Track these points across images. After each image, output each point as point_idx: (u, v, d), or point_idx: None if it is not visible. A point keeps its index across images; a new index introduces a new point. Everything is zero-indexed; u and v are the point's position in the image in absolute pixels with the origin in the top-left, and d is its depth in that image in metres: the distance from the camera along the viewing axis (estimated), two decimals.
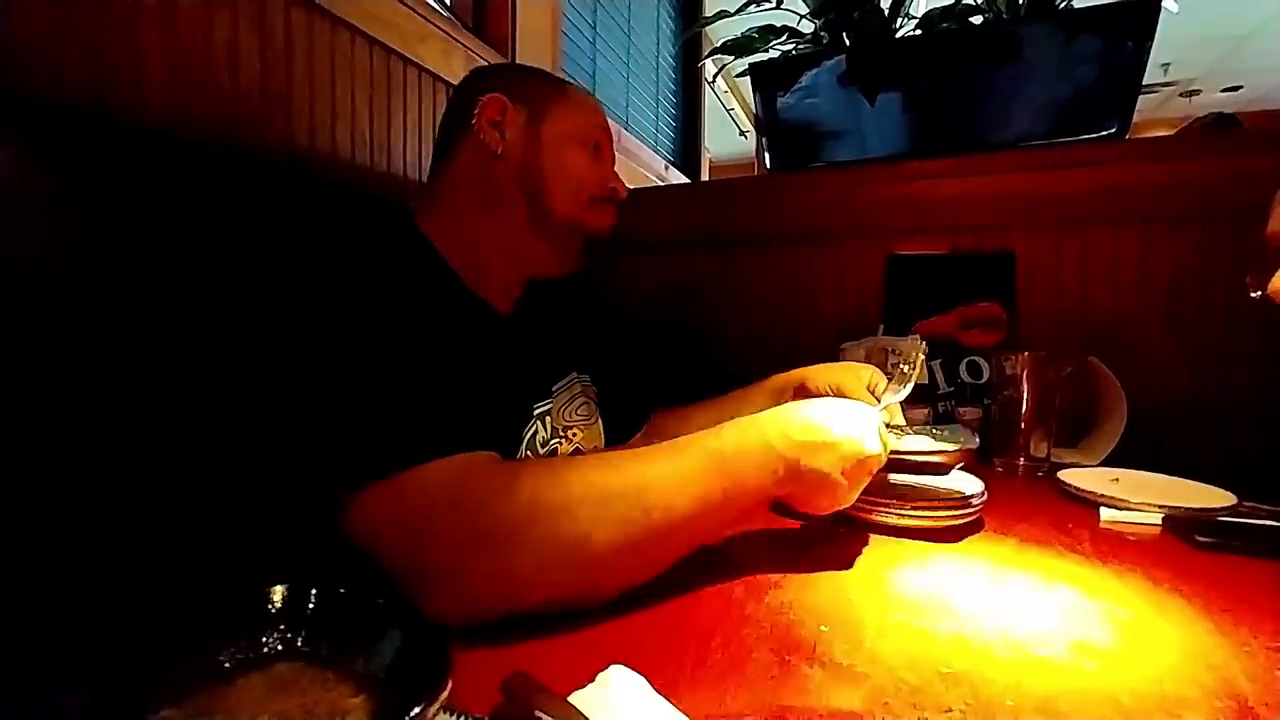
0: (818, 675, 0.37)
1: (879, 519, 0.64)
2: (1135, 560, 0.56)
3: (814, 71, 1.21)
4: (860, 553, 0.58)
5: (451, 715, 0.30)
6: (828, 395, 0.70)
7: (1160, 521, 0.66)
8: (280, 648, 0.26)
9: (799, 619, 0.45)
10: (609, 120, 0.78)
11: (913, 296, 1.13)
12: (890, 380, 0.68)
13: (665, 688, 0.34)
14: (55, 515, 0.57)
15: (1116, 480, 0.78)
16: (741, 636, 0.42)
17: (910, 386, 0.65)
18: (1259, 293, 0.64)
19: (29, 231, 0.57)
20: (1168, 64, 4.46)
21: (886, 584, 0.51)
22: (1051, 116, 1.10)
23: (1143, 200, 1.02)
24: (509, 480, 0.44)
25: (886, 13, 1.19)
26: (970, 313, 1.09)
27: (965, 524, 0.63)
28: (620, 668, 0.35)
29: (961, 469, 0.74)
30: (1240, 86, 5.09)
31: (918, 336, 1.09)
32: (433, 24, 1.08)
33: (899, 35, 1.20)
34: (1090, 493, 0.73)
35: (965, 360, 1.07)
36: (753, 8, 1.27)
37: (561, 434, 0.74)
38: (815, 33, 1.25)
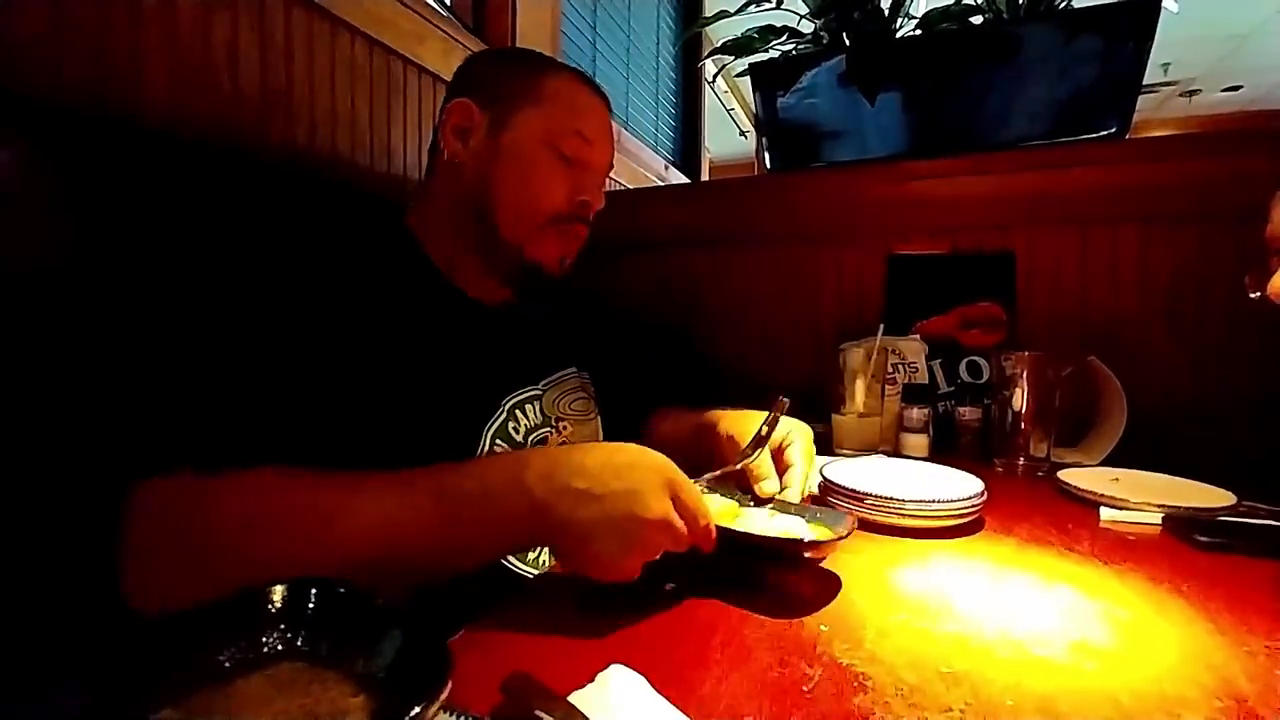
0: (818, 675, 0.37)
1: (879, 519, 0.64)
2: (1135, 560, 0.56)
3: (814, 71, 1.21)
4: (860, 553, 0.58)
5: (451, 715, 0.30)
6: (724, 440, 0.67)
7: (1160, 521, 0.66)
8: (280, 648, 0.26)
9: (799, 619, 0.45)
10: (612, 131, 0.72)
11: (913, 296, 1.13)
12: (758, 439, 0.62)
13: (665, 688, 0.34)
14: (54, 515, 0.57)
15: (1116, 480, 0.78)
16: (741, 636, 0.42)
17: (763, 451, 0.61)
18: (1258, 293, 0.64)
19: (29, 231, 0.57)
20: (1168, 64, 4.46)
21: (886, 584, 0.51)
22: (1051, 116, 1.10)
23: (1143, 200, 1.02)
24: (216, 503, 0.44)
25: (886, 13, 1.19)
26: (970, 313, 1.09)
27: (965, 524, 0.63)
28: (620, 668, 0.35)
29: (961, 470, 0.74)
30: (1240, 86, 5.09)
31: (918, 336, 1.09)
32: (433, 24, 1.08)
33: (899, 35, 1.20)
34: (1090, 493, 0.73)
35: (965, 360, 1.08)
36: (753, 8, 1.27)
37: (552, 424, 0.72)
38: (815, 33, 1.25)
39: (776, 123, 1.30)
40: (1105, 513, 0.69)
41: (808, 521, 0.55)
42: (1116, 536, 0.64)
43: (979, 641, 0.41)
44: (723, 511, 0.57)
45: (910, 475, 0.74)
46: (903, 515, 0.62)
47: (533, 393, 0.71)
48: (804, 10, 1.24)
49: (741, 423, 0.67)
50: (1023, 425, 0.90)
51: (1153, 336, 1.02)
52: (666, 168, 2.29)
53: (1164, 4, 1.00)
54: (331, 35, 0.91)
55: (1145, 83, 1.05)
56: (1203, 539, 0.60)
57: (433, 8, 1.11)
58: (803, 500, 0.63)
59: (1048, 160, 1.06)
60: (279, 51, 0.84)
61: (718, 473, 0.61)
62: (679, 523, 0.44)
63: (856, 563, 0.55)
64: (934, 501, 0.62)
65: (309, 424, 0.48)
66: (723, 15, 1.37)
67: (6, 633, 0.54)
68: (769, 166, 1.35)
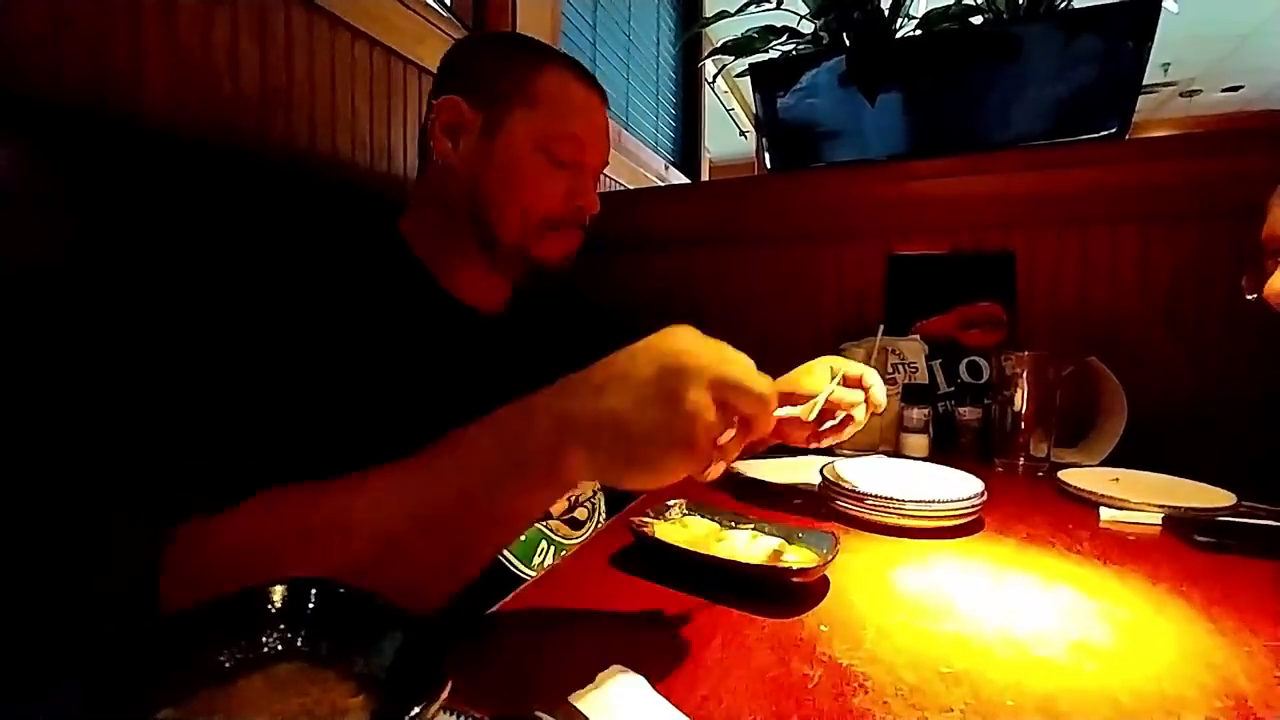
0: (818, 675, 0.37)
1: (879, 519, 0.64)
2: (1135, 560, 0.56)
3: (814, 72, 1.21)
4: (860, 553, 0.58)
5: (451, 715, 0.30)
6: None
7: (1160, 521, 0.66)
8: (280, 648, 0.26)
9: (799, 619, 0.45)
10: (608, 127, 0.70)
11: (913, 296, 1.13)
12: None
13: (665, 688, 0.34)
14: (52, 514, 0.57)
15: (1116, 480, 0.78)
16: (741, 636, 0.42)
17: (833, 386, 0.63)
18: (1255, 295, 0.64)
19: (28, 231, 0.57)
20: (1168, 64, 4.46)
21: (886, 584, 0.51)
22: (1051, 116, 1.10)
23: (1143, 200, 1.02)
24: (218, 539, 0.42)
25: (886, 13, 1.19)
26: (970, 313, 1.09)
27: (965, 524, 0.63)
28: (620, 668, 0.35)
29: (960, 470, 0.74)
30: (1240, 86, 5.09)
31: (918, 336, 1.09)
32: (433, 24, 1.08)
33: (899, 35, 1.20)
34: (1090, 493, 0.73)
35: (965, 360, 1.08)
36: (753, 8, 1.27)
37: None
38: (815, 33, 1.25)
39: (776, 123, 1.30)
40: (1105, 513, 0.69)
41: (790, 544, 0.54)
42: (1116, 536, 0.64)
43: (979, 641, 0.41)
44: (705, 535, 0.57)
45: (910, 475, 0.74)
46: (903, 515, 0.62)
47: None
48: (804, 10, 1.24)
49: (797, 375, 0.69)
50: (1023, 425, 0.90)
51: (1153, 336, 1.02)
52: (666, 168, 2.29)
53: (1164, 4, 1.00)
54: (331, 35, 0.91)
55: (1145, 83, 1.05)
56: (1202, 539, 0.60)
57: (433, 8, 1.11)
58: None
59: (1048, 160, 1.06)
60: (279, 51, 0.84)
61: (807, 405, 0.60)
62: (731, 376, 0.36)
63: (856, 563, 0.55)
64: (934, 501, 0.62)
65: (313, 451, 0.47)
66: (723, 15, 1.37)
67: (6, 633, 0.54)
68: (769, 166, 1.35)
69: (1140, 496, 0.70)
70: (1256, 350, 0.95)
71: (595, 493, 0.75)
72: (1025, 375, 0.89)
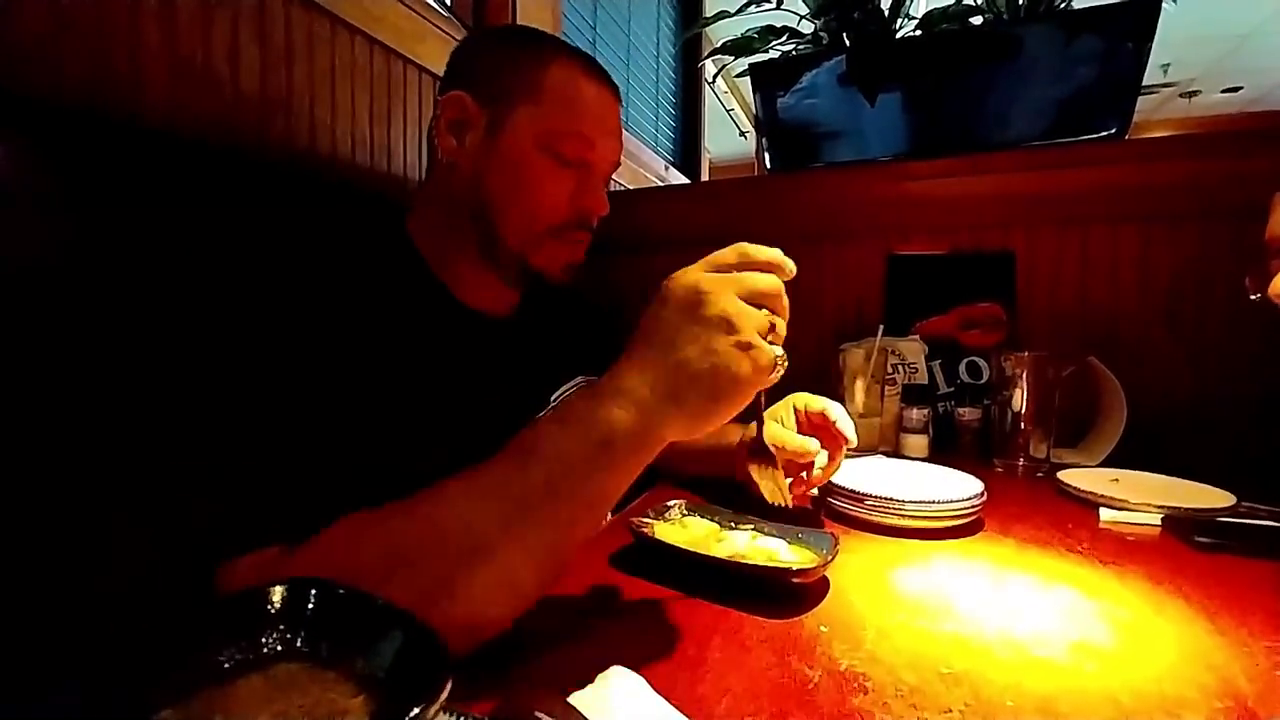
0: (818, 675, 0.37)
1: (879, 519, 0.64)
2: (1135, 560, 0.56)
3: (814, 72, 1.21)
4: (860, 553, 0.58)
5: (451, 715, 0.30)
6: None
7: (1160, 521, 0.66)
8: (280, 648, 0.26)
9: (799, 619, 0.45)
10: (620, 123, 0.68)
11: (913, 296, 1.13)
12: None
13: (665, 688, 0.34)
14: (50, 514, 0.57)
15: (1116, 480, 0.78)
16: (741, 636, 0.42)
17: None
18: (1258, 294, 0.64)
19: (28, 231, 0.57)
20: (1168, 64, 4.46)
21: (886, 584, 0.51)
22: (1051, 116, 1.10)
23: (1143, 200, 1.02)
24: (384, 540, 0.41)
25: (886, 13, 1.19)
26: (970, 313, 1.09)
27: (965, 524, 0.63)
28: (620, 668, 0.35)
29: (960, 471, 0.74)
30: (1240, 87, 5.09)
31: (918, 336, 1.09)
32: (433, 24, 1.08)
33: (899, 35, 1.20)
34: (1090, 493, 0.73)
35: (965, 360, 1.08)
36: (753, 8, 1.27)
37: None
38: (815, 33, 1.25)
39: (776, 123, 1.30)
40: (1105, 513, 0.69)
41: (790, 544, 0.54)
42: (1116, 537, 0.64)
43: (979, 641, 0.41)
44: (705, 535, 0.57)
45: (910, 475, 0.74)
46: (903, 515, 0.62)
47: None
48: (804, 10, 1.24)
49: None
50: (1023, 425, 0.90)
51: (1153, 336, 1.02)
52: (666, 168, 2.29)
53: (1164, 4, 1.00)
54: (331, 35, 0.91)
55: (1145, 83, 1.05)
56: (1202, 539, 0.60)
57: (433, 7, 1.11)
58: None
59: (1048, 160, 1.06)
60: (279, 51, 0.84)
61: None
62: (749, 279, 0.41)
63: (856, 563, 0.55)
64: (934, 502, 0.62)
65: (331, 461, 0.47)
66: (723, 15, 1.37)
67: (6, 633, 0.54)
68: (769, 166, 1.35)
69: (1140, 497, 0.70)
70: (1257, 350, 0.95)
71: None
72: (1025, 375, 0.89)
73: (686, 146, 2.66)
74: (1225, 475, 0.75)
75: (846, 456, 0.68)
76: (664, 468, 0.83)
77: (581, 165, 0.63)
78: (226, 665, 0.24)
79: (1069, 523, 0.67)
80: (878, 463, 0.81)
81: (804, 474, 0.67)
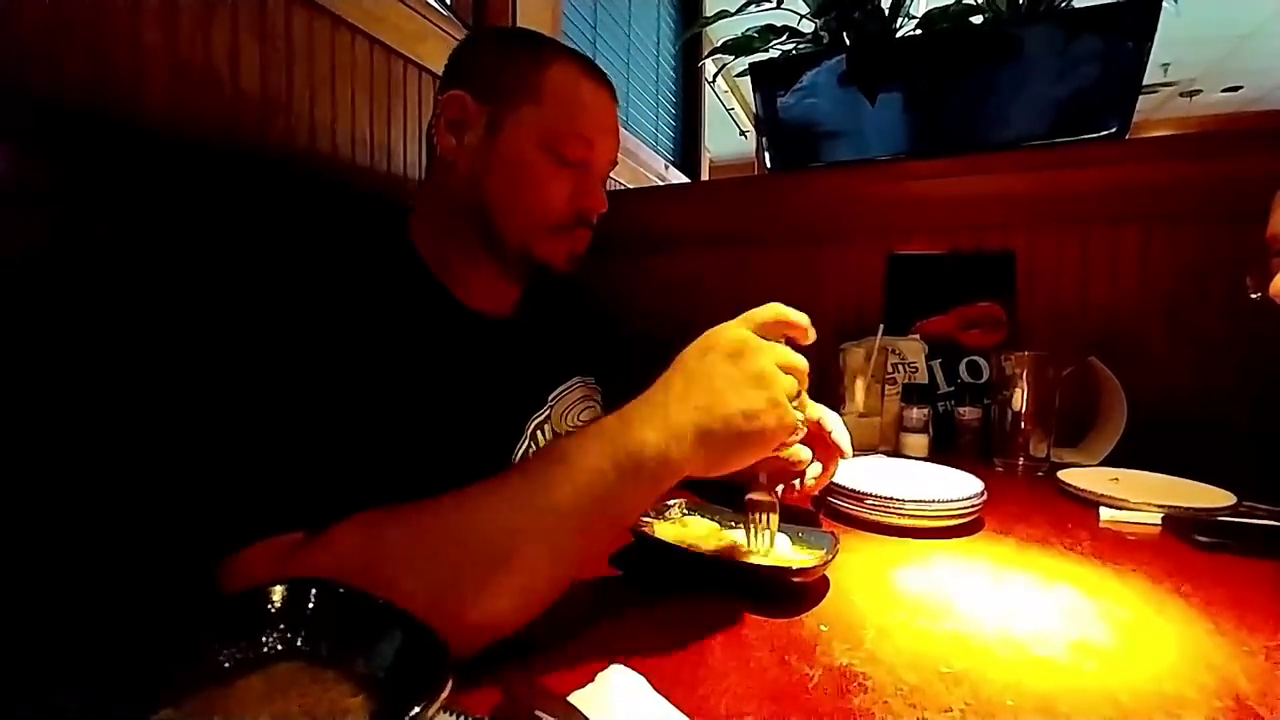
0: (818, 675, 0.37)
1: (879, 519, 0.64)
2: (1135, 560, 0.56)
3: (814, 71, 1.21)
4: (860, 553, 0.58)
5: (451, 715, 0.30)
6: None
7: (1160, 521, 0.66)
8: (280, 648, 0.26)
9: (799, 619, 0.45)
10: (618, 123, 0.68)
11: (913, 296, 1.13)
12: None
13: (665, 688, 0.34)
14: (52, 514, 0.57)
15: (1116, 480, 0.78)
16: (741, 636, 0.42)
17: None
18: (1259, 294, 0.64)
19: (28, 231, 0.57)
20: (1168, 64, 4.46)
21: (886, 584, 0.51)
22: (1052, 116, 1.10)
23: (1143, 200, 1.02)
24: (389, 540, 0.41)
25: (886, 13, 1.19)
26: (970, 313, 1.09)
27: (965, 524, 0.63)
28: (620, 668, 0.35)
29: (960, 470, 0.74)
30: (1240, 87, 5.09)
31: (918, 336, 1.09)
32: (433, 23, 1.08)
33: (899, 35, 1.20)
34: (1090, 493, 0.73)
35: (965, 360, 1.08)
36: (753, 8, 1.27)
37: None
38: (815, 33, 1.25)
39: (776, 122, 1.30)
40: (1105, 513, 0.69)
41: (791, 542, 0.54)
42: (1116, 536, 0.64)
43: (979, 641, 0.41)
44: (705, 534, 0.57)
45: (910, 475, 0.74)
46: (903, 515, 0.62)
47: (545, 413, 0.70)
48: (804, 10, 1.24)
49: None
50: (1023, 425, 0.90)
51: (1153, 336, 1.02)
52: (666, 168, 2.29)
53: (1164, 4, 1.00)
54: (332, 34, 0.91)
55: (1145, 83, 1.05)
56: (1202, 539, 0.60)
57: (433, 7, 1.11)
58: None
59: (1048, 160, 1.06)
60: (279, 51, 0.84)
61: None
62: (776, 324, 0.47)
63: (856, 562, 0.55)
64: (934, 501, 0.62)
65: (355, 468, 0.47)
66: (723, 15, 1.36)
67: (6, 633, 0.54)
68: (769, 166, 1.35)
69: (1140, 496, 0.70)
70: (1257, 350, 0.95)
71: None
72: (1025, 375, 0.89)
73: (686, 146, 2.65)
74: (1225, 475, 0.75)
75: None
76: None
77: (580, 165, 0.63)
78: (226, 665, 0.24)
79: (1069, 522, 0.67)
80: (878, 462, 0.81)
81: (795, 482, 0.66)
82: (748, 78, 1.30)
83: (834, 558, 0.49)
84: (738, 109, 4.73)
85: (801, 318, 0.48)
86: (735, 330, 0.45)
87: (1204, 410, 0.98)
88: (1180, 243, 1.01)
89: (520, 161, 0.61)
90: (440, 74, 0.68)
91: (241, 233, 0.74)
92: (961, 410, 1.02)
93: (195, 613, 0.26)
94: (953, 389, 1.08)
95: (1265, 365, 0.94)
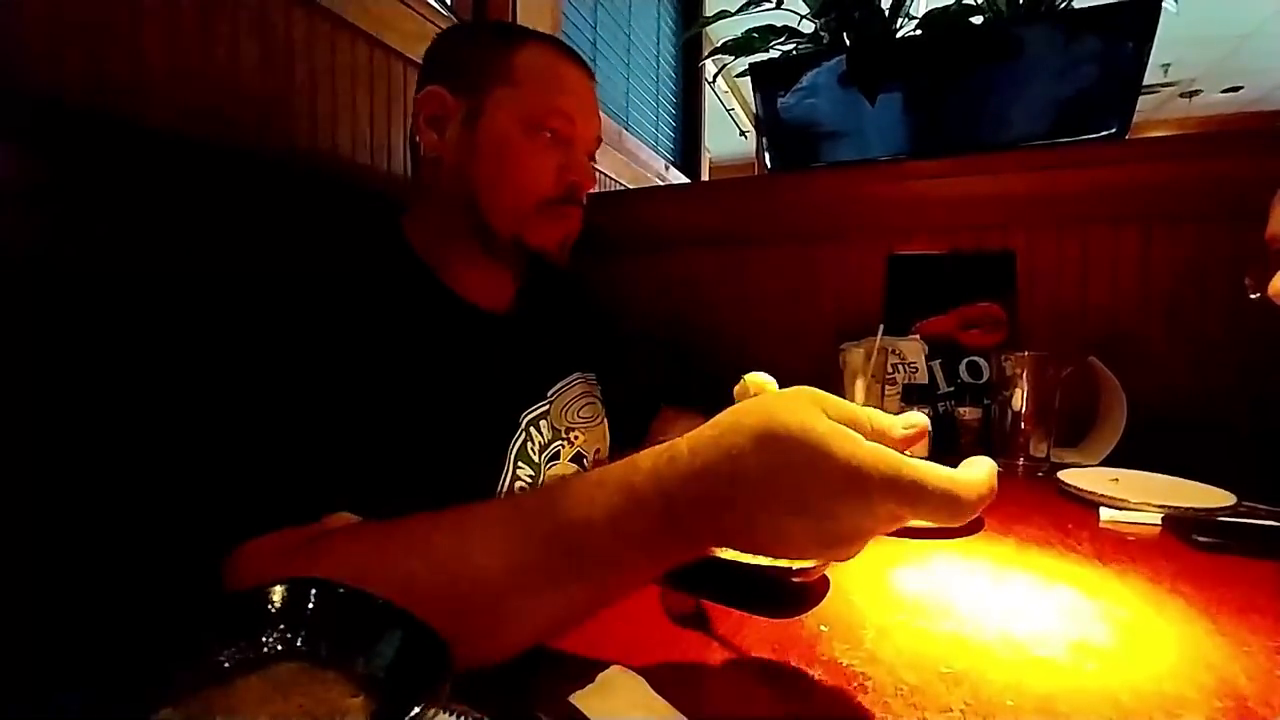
0: (818, 675, 0.37)
1: None
2: (1135, 560, 0.56)
3: (814, 71, 1.21)
4: (861, 553, 0.58)
5: (451, 715, 0.30)
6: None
7: (1160, 521, 0.66)
8: (280, 648, 0.26)
9: (799, 619, 0.44)
10: (597, 101, 0.68)
11: (913, 296, 1.13)
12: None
13: (665, 688, 0.34)
14: (53, 513, 0.57)
15: (1116, 480, 0.78)
16: (741, 636, 0.42)
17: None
18: (1258, 294, 0.64)
19: (27, 231, 0.57)
20: (1168, 64, 4.46)
21: (886, 584, 0.51)
22: (1052, 116, 1.10)
23: (1143, 200, 1.02)
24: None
25: (887, 13, 1.19)
26: (970, 313, 1.09)
27: (965, 524, 0.63)
28: (620, 668, 0.35)
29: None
30: (1240, 87, 5.09)
31: (918, 336, 1.09)
32: (433, 24, 1.08)
33: (899, 35, 1.20)
34: (1090, 493, 0.73)
35: (965, 360, 1.07)
36: (753, 8, 1.27)
37: (564, 436, 0.71)
38: (815, 33, 1.25)
39: (777, 123, 1.30)
40: (1105, 513, 0.69)
41: None
42: (1116, 537, 0.64)
43: (979, 641, 0.41)
44: None
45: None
46: None
47: (544, 407, 0.70)
48: (804, 10, 1.24)
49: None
50: (1023, 425, 0.90)
51: (1153, 336, 1.02)
52: (666, 168, 2.29)
53: (1164, 4, 1.00)
54: (332, 35, 0.91)
55: (1145, 83, 1.05)
56: (1202, 539, 0.60)
57: (433, 7, 1.11)
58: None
59: (1048, 160, 1.06)
60: (279, 51, 0.83)
61: None
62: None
63: (856, 563, 0.55)
64: None
65: (354, 462, 0.47)
66: (723, 15, 1.37)
67: (6, 633, 0.54)
68: (769, 166, 1.35)
69: (1140, 496, 0.70)
70: (1257, 350, 0.95)
71: None
72: (1025, 375, 0.89)
73: (686, 146, 2.65)
74: (1225, 475, 0.75)
75: None
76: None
77: (563, 141, 0.64)
78: (226, 665, 0.24)
79: (1069, 522, 0.67)
80: None
81: None
82: (748, 78, 1.30)
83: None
84: (738, 109, 4.73)
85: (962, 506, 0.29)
86: (870, 493, 0.28)
87: (1204, 410, 0.98)
88: (1180, 243, 1.01)
89: (503, 142, 0.61)
90: None
91: (242, 232, 0.74)
92: (961, 410, 1.02)
93: (195, 613, 0.26)
94: (953, 389, 1.08)
95: (1265, 365, 0.94)
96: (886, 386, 1.02)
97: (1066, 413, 0.93)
